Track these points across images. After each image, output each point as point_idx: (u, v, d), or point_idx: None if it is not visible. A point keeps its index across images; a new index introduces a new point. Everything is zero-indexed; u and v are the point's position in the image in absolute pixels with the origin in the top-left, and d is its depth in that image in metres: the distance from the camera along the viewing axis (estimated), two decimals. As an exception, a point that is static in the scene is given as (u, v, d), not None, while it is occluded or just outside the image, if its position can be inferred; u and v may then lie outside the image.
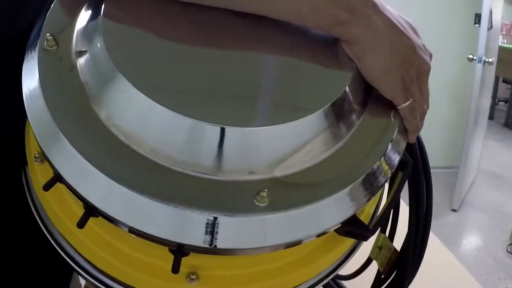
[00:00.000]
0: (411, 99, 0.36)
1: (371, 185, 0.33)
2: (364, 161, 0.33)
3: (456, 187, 2.68)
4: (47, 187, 0.33)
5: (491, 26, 2.48)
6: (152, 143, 0.31)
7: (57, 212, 0.37)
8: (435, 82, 2.74)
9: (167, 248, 0.32)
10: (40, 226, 0.44)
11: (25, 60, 0.36)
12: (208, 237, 0.29)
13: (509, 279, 2.05)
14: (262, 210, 0.29)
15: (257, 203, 0.29)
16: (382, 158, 0.34)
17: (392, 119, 0.36)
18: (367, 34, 0.34)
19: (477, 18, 2.44)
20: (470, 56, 2.51)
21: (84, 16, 0.37)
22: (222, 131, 0.30)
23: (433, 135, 3.21)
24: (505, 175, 3.23)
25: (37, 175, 0.39)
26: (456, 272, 0.80)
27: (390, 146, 0.35)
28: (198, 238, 0.29)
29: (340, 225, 0.32)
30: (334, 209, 0.31)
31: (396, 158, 0.35)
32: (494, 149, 3.76)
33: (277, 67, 0.36)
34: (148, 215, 0.29)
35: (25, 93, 0.35)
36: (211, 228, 0.29)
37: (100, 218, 0.32)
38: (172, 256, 0.32)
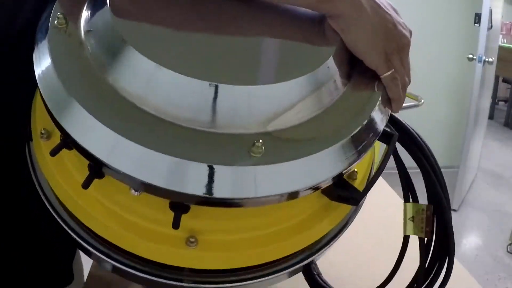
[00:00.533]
0: (393, 69, 0.39)
1: (359, 144, 0.35)
2: (351, 122, 0.36)
3: (456, 186, 2.68)
4: (54, 152, 0.35)
5: (491, 26, 2.48)
6: (156, 101, 0.33)
7: (61, 183, 0.39)
8: (435, 82, 2.72)
9: (166, 212, 0.34)
10: (39, 216, 0.47)
11: (36, 38, 0.39)
12: (205, 187, 0.31)
13: (509, 279, 2.05)
14: (257, 160, 0.32)
15: (252, 154, 0.32)
16: (367, 120, 0.37)
17: (376, 89, 0.39)
18: (351, 9, 0.37)
19: (477, 18, 2.44)
20: (470, 56, 2.51)
21: (91, 1, 0.40)
22: (218, 88, 0.33)
23: (433, 134, 3.20)
24: (505, 174, 3.23)
25: (43, 151, 0.40)
26: (456, 272, 0.80)
27: (375, 110, 0.38)
28: (197, 188, 0.31)
29: (331, 180, 0.35)
30: (326, 163, 0.34)
31: (381, 124, 0.38)
32: (494, 148, 3.76)
33: (270, 40, 0.40)
34: (151, 166, 0.31)
35: (36, 66, 0.37)
36: (209, 178, 0.31)
37: (102, 184, 0.34)
38: (171, 220, 0.34)
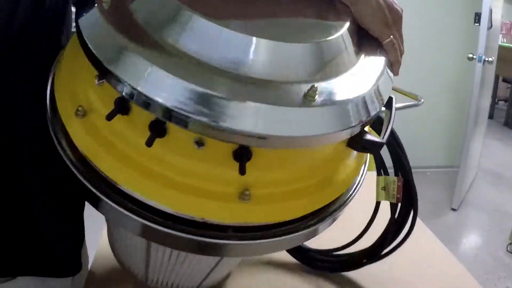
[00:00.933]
0: (392, 37, 0.48)
1: (380, 95, 0.43)
2: (373, 78, 0.43)
3: (456, 186, 2.68)
4: (110, 116, 0.37)
5: (491, 25, 2.48)
6: (217, 56, 0.37)
7: (103, 155, 0.40)
8: (435, 81, 2.73)
9: (220, 169, 0.38)
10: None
11: (80, 16, 0.41)
12: (262, 124, 0.34)
13: (509, 279, 2.05)
14: (314, 104, 0.37)
15: (309, 97, 0.36)
16: (384, 76, 0.44)
17: (379, 54, 0.47)
18: None
19: (477, 17, 2.44)
20: (470, 55, 2.51)
21: None
22: (270, 44, 0.38)
23: (433, 134, 3.21)
24: (505, 174, 3.23)
25: (78, 130, 0.41)
26: (456, 271, 0.81)
27: (386, 69, 0.46)
28: (264, 127, 0.34)
29: (365, 123, 0.40)
30: (361, 107, 0.40)
31: (390, 83, 0.46)
32: (494, 148, 3.76)
33: (298, 16, 0.47)
34: (221, 110, 0.34)
35: (84, 27, 0.40)
36: (266, 116, 0.35)
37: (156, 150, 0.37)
38: (225, 176, 0.38)
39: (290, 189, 0.42)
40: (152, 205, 0.39)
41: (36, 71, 0.51)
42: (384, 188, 0.64)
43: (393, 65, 0.50)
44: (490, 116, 4.20)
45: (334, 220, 0.47)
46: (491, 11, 2.42)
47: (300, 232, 0.43)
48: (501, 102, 4.90)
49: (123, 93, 0.35)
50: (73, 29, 0.57)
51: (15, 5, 0.49)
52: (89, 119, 0.41)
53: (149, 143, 0.36)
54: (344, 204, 0.47)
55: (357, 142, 0.43)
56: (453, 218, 2.62)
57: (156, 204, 0.39)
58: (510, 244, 2.28)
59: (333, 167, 0.46)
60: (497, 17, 2.74)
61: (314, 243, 0.76)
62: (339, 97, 0.39)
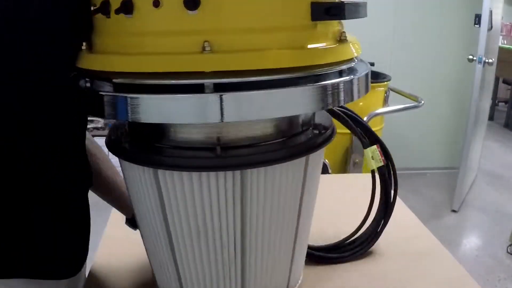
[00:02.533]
0: None
1: None
2: None
3: (456, 187, 2.68)
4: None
5: (491, 27, 2.48)
6: None
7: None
8: (435, 83, 2.72)
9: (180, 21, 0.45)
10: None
11: None
12: None
13: (509, 280, 2.05)
14: None
15: None
16: None
17: None
18: None
19: (477, 19, 2.44)
20: (470, 57, 2.51)
21: None
22: None
23: (433, 135, 3.20)
24: (505, 175, 3.23)
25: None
26: (456, 272, 0.81)
27: None
28: None
29: None
30: None
31: None
32: (494, 149, 3.76)
33: None
34: None
35: None
36: None
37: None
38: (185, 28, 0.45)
39: (256, 38, 0.46)
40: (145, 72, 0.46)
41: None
42: (372, 157, 0.77)
43: None
44: (490, 118, 4.19)
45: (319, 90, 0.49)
46: (491, 12, 2.42)
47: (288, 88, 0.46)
48: (501, 104, 4.90)
49: None
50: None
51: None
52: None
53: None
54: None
55: (319, 8, 0.47)
56: (453, 219, 2.62)
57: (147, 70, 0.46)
58: (510, 245, 2.28)
59: (302, 35, 0.48)
60: (497, 18, 2.74)
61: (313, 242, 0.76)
62: None
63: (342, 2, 0.48)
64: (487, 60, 2.46)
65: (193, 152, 0.53)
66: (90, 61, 0.51)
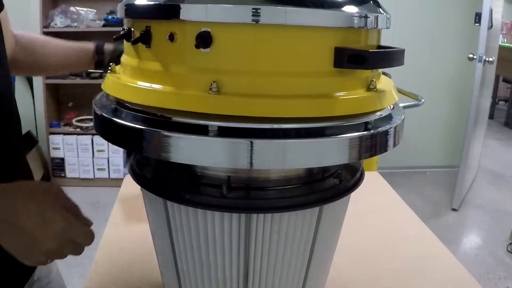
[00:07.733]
0: None
1: None
2: None
3: (456, 186, 2.68)
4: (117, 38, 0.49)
5: (492, 25, 2.48)
6: None
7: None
8: (435, 81, 2.72)
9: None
10: None
11: None
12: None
13: (510, 279, 2.05)
14: None
15: None
16: None
17: None
18: None
19: (477, 17, 2.44)
20: (471, 55, 2.51)
21: None
22: None
23: (433, 134, 3.21)
24: (505, 174, 3.23)
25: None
26: (456, 271, 0.81)
27: None
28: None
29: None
30: None
31: None
32: (494, 148, 3.76)
33: None
34: None
35: None
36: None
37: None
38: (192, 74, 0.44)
39: (264, 82, 0.43)
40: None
41: None
42: None
43: None
44: (491, 116, 4.19)
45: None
46: (491, 11, 2.42)
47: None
48: (501, 102, 4.90)
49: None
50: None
51: None
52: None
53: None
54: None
55: (342, 55, 0.43)
56: (454, 218, 2.62)
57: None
58: (510, 244, 2.28)
59: (322, 82, 0.45)
60: (498, 17, 2.74)
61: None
62: None
63: (368, 51, 0.43)
64: (487, 59, 2.46)
65: (201, 187, 0.51)
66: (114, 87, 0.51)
